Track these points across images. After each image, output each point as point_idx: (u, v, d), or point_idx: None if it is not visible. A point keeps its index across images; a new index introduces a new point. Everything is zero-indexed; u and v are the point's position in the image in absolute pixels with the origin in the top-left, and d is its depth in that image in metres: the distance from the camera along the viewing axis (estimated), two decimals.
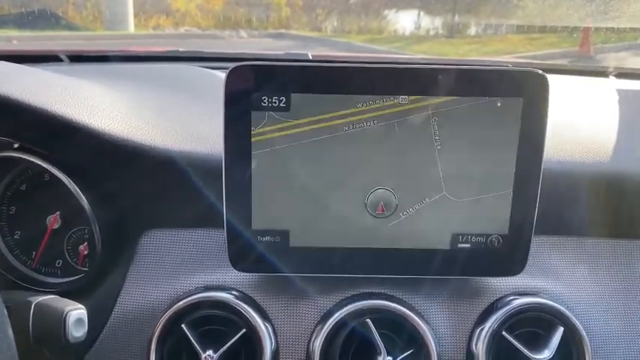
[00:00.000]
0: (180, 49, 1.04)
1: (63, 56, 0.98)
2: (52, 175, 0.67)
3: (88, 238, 0.71)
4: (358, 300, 0.64)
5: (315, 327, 0.64)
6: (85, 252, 0.72)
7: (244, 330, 0.62)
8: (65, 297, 0.62)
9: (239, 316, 0.63)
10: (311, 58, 1.05)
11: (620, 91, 0.89)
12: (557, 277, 0.68)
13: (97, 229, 0.67)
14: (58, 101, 0.64)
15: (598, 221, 0.70)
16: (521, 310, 0.63)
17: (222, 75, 0.88)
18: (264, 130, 0.58)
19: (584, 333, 0.63)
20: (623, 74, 1.02)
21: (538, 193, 0.59)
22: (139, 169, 0.67)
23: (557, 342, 0.62)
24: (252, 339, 0.62)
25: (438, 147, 0.59)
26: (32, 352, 0.55)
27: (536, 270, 0.68)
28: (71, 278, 0.71)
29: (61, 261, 0.72)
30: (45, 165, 0.66)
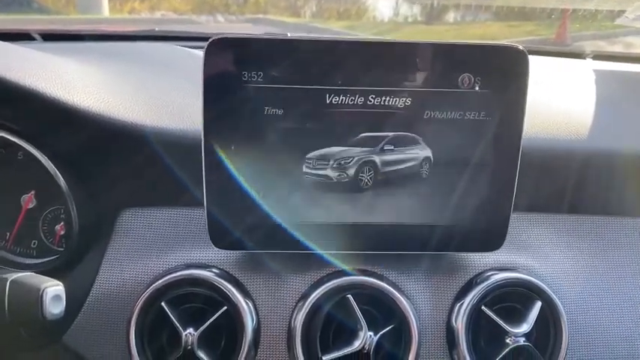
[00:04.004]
0: (157, 29, 1.02)
1: (36, 35, 0.95)
2: (26, 153, 0.66)
3: (65, 217, 0.70)
4: (339, 276, 0.64)
5: (297, 303, 0.64)
6: (62, 232, 0.70)
7: (225, 307, 0.62)
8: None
9: (220, 293, 0.62)
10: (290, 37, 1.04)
11: (596, 72, 0.90)
12: (535, 252, 0.69)
13: (74, 209, 0.66)
14: (33, 76, 0.62)
15: (575, 198, 0.71)
16: (499, 285, 0.64)
17: (199, 53, 0.87)
18: (244, 105, 0.57)
19: (561, 307, 0.64)
20: (599, 56, 1.03)
21: (517, 170, 0.60)
22: (115, 147, 0.66)
23: (535, 316, 0.63)
24: (233, 316, 0.62)
25: (418, 122, 0.59)
26: (9, 334, 0.54)
27: (514, 246, 0.68)
28: (47, 258, 0.69)
29: (36, 241, 0.71)
30: (20, 142, 0.65)
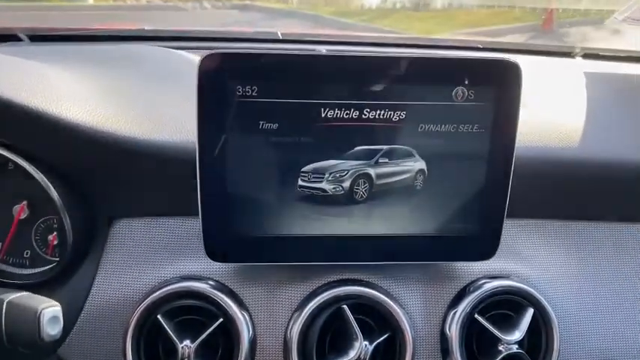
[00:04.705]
0: (146, 28, 1.01)
1: (22, 35, 0.93)
2: (16, 164, 0.65)
3: (58, 227, 0.70)
4: (334, 287, 0.64)
5: (292, 315, 0.64)
6: (55, 242, 0.70)
7: (221, 319, 0.62)
8: (36, 289, 0.61)
9: (216, 305, 0.63)
10: (280, 36, 1.03)
11: (586, 74, 0.90)
12: (526, 260, 0.70)
13: (67, 219, 0.66)
14: (22, 88, 0.61)
15: (566, 204, 0.72)
16: (492, 293, 0.65)
17: (190, 56, 0.86)
18: (238, 119, 0.57)
19: (552, 314, 0.65)
20: (588, 55, 1.04)
21: (510, 181, 0.61)
22: (108, 158, 0.65)
23: (528, 323, 0.64)
24: (229, 328, 0.62)
25: (413, 135, 0.59)
26: (2, 350, 0.54)
27: (506, 254, 0.69)
28: (41, 269, 0.69)
29: (29, 251, 0.70)
30: (9, 155, 0.64)
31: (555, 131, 0.73)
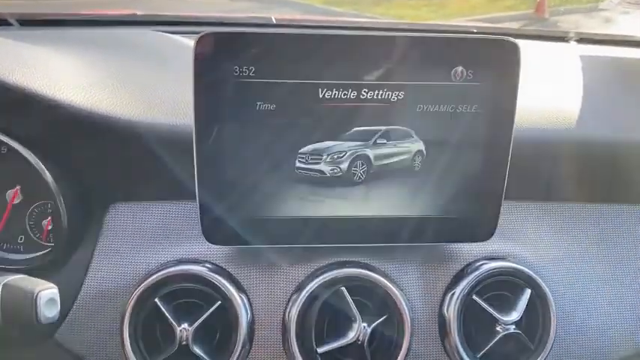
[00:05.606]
0: (138, 13, 1.00)
1: (12, 20, 0.92)
2: (10, 147, 0.64)
3: (52, 212, 0.69)
4: (332, 269, 0.64)
5: (291, 297, 0.64)
6: (49, 227, 0.69)
7: (219, 302, 0.62)
8: (32, 274, 0.60)
9: (213, 288, 0.62)
10: (275, 21, 1.02)
11: (581, 57, 0.90)
12: (524, 241, 0.70)
13: (62, 204, 0.65)
14: (15, 71, 0.61)
15: (562, 186, 0.72)
16: (490, 274, 0.65)
17: (184, 40, 0.86)
18: (235, 100, 0.57)
19: (550, 295, 0.65)
20: (583, 39, 1.04)
21: (508, 162, 0.60)
22: (103, 141, 0.65)
23: (525, 304, 0.64)
24: (227, 311, 0.62)
25: (411, 116, 0.59)
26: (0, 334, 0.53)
27: (504, 235, 0.69)
28: (35, 254, 0.68)
29: (23, 237, 0.70)
30: (2, 138, 0.64)
31: (552, 112, 0.73)
